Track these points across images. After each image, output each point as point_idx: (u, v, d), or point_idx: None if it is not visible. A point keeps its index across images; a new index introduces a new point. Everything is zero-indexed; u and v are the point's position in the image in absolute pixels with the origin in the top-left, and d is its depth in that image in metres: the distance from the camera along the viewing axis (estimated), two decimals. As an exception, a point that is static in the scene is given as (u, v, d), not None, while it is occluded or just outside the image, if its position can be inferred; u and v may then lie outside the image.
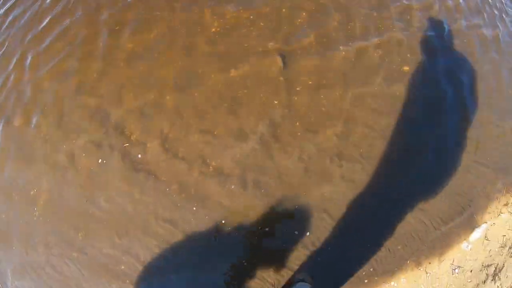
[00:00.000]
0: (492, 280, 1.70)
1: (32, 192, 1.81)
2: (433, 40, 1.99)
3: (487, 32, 2.09)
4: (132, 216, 1.68)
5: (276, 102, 1.78)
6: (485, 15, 2.17)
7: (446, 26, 2.06)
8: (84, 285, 1.65)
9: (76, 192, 1.75)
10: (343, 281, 1.57)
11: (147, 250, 1.62)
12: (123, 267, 1.63)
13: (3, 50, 2.24)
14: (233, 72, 1.87)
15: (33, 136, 1.90)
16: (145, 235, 1.64)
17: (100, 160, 1.77)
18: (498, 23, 2.17)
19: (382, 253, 1.61)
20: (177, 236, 1.62)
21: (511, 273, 1.76)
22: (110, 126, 1.82)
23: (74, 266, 1.67)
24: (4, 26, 2.34)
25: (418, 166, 1.73)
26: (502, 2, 2.30)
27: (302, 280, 1.53)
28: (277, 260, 1.59)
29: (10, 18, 2.34)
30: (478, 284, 1.69)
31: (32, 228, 1.76)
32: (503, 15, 2.23)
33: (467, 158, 1.76)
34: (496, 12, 2.22)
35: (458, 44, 2.01)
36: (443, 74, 1.91)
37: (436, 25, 2.04)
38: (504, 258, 1.74)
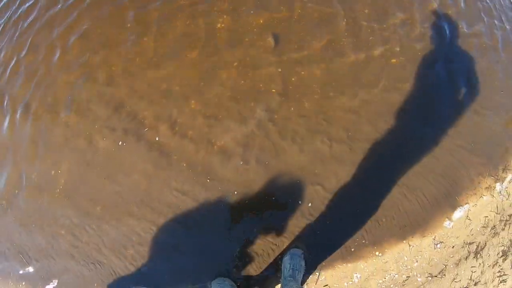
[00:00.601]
0: (474, 257, 1.75)
1: (53, 172, 1.95)
2: (424, 33, 2.06)
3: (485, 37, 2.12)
4: (148, 188, 1.82)
5: (274, 90, 1.93)
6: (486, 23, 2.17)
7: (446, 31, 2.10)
8: (103, 251, 1.79)
9: (96, 171, 1.90)
10: (333, 249, 1.69)
11: (161, 217, 1.77)
12: (139, 232, 1.78)
13: (29, 47, 2.35)
14: (235, 64, 2.00)
15: (56, 123, 2.06)
16: (160, 204, 1.79)
17: (120, 143, 1.93)
18: (496, 31, 2.17)
19: (369, 225, 1.69)
20: (189, 204, 1.77)
21: (493, 252, 1.78)
22: (125, 112, 1.98)
23: (94, 232, 1.81)
24: (28, 22, 2.41)
25: (404, 149, 1.80)
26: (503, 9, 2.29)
27: (296, 246, 1.67)
28: (278, 226, 1.73)
29: (34, 13, 2.41)
30: (460, 260, 1.74)
31: (54, 204, 1.90)
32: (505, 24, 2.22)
33: (452, 143, 1.82)
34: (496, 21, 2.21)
35: (451, 42, 2.06)
36: (434, 66, 1.98)
37: (436, 30, 2.10)
38: (486, 237, 1.78)
